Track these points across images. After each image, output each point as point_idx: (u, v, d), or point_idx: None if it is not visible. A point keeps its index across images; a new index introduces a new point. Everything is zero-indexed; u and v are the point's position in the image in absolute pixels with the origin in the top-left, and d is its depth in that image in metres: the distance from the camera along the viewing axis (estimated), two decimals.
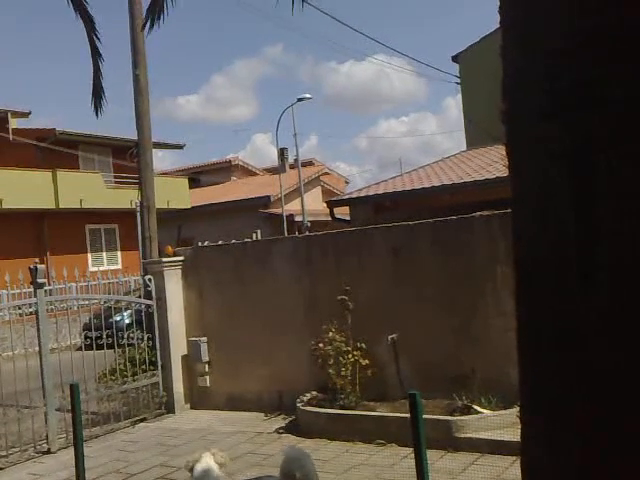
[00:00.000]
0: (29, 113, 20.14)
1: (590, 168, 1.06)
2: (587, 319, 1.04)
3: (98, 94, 8.43)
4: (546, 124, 1.11)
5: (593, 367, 1.03)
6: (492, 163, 11.35)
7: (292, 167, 25.24)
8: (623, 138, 1.02)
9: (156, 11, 7.58)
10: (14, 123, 19.19)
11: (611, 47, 1.02)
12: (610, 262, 1.02)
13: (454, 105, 63.62)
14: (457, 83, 17.77)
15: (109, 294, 8.24)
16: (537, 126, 1.13)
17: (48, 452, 5.76)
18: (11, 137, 18.32)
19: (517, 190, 1.22)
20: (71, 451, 4.26)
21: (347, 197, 13.65)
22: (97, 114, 8.57)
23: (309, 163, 29.12)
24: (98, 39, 8.21)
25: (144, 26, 8.04)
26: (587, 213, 1.06)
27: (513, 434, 4.32)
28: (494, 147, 12.69)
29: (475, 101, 14.73)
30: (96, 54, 8.32)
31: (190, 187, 22.56)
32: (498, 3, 1.25)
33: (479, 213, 5.42)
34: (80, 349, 6.63)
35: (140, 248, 8.97)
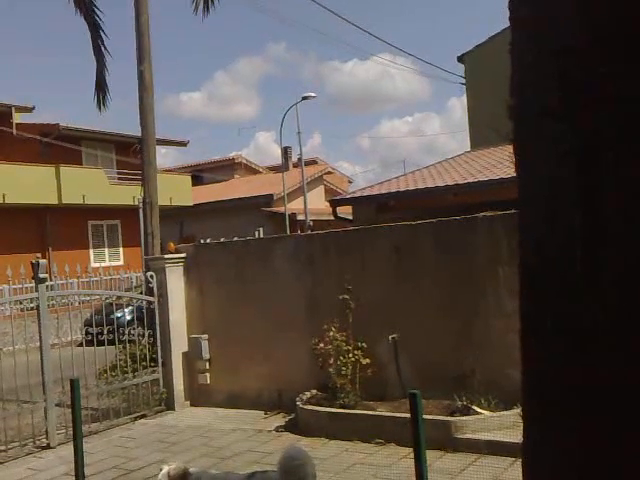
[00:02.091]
0: (33, 108, 20.19)
1: (598, 167, 1.05)
2: (594, 320, 1.03)
3: (102, 89, 8.50)
4: (554, 122, 1.10)
5: (599, 367, 1.02)
6: (496, 164, 11.33)
7: (295, 166, 25.25)
8: (631, 137, 1.01)
9: None
10: (18, 118, 19.23)
11: (620, 46, 1.01)
12: (617, 262, 1.01)
13: (458, 105, 63.60)
14: (462, 84, 17.75)
15: (111, 290, 8.24)
16: (545, 124, 1.12)
17: (48, 447, 5.76)
18: (15, 132, 18.35)
19: (524, 189, 1.20)
20: (70, 446, 4.26)
21: (350, 196, 13.64)
22: (100, 109, 8.67)
23: (312, 162, 29.11)
24: (103, 37, 8.27)
25: (197, 8, 8.05)
26: (594, 213, 1.05)
27: (513, 435, 4.31)
28: (498, 148, 12.66)
29: (480, 102, 14.70)
30: (99, 52, 8.38)
31: (193, 184, 22.59)
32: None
33: (482, 214, 5.40)
34: (81, 345, 6.64)
35: (142, 244, 8.98)
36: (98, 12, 8.45)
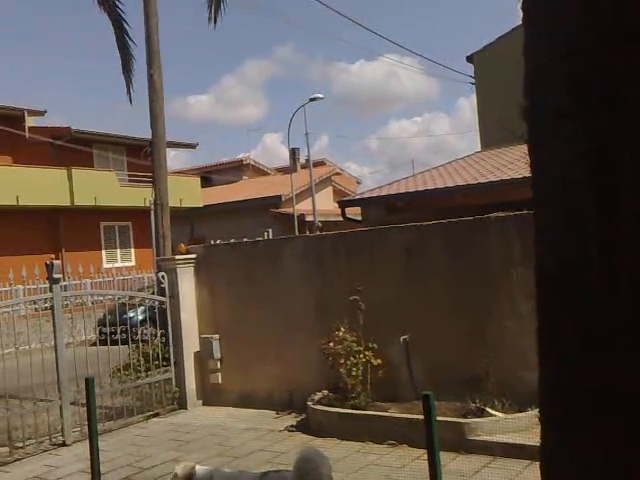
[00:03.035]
0: (45, 111, 20.44)
1: (612, 168, 1.05)
2: (609, 320, 1.03)
3: (129, 83, 8.87)
4: (568, 122, 1.10)
5: (614, 368, 1.02)
6: (507, 164, 11.25)
7: (303, 167, 25.27)
8: None
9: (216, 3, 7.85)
10: (30, 121, 19.47)
11: (633, 46, 1.01)
12: (633, 263, 1.02)
13: (467, 105, 63.22)
14: (472, 83, 17.66)
15: (123, 290, 8.32)
16: (559, 125, 1.12)
17: (63, 444, 5.84)
18: (27, 135, 18.59)
19: (539, 190, 1.21)
20: (85, 444, 4.32)
21: (359, 197, 13.63)
22: (130, 101, 9.08)
23: (320, 163, 29.13)
24: (129, 24, 8.69)
25: (210, 19, 8.52)
26: (609, 213, 1.05)
27: (527, 437, 4.29)
28: (509, 148, 12.58)
29: (490, 101, 14.61)
30: (123, 45, 8.69)
31: (202, 186, 22.71)
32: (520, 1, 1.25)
33: (494, 214, 5.38)
34: (95, 344, 6.72)
35: (154, 245, 9.06)
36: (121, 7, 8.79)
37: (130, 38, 8.92)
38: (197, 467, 3.23)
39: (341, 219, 13.26)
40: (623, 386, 1.01)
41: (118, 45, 8.84)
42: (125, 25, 8.76)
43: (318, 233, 9.38)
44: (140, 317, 8.02)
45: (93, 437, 3.99)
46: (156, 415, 6.69)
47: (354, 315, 5.79)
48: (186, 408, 6.94)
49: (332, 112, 66.88)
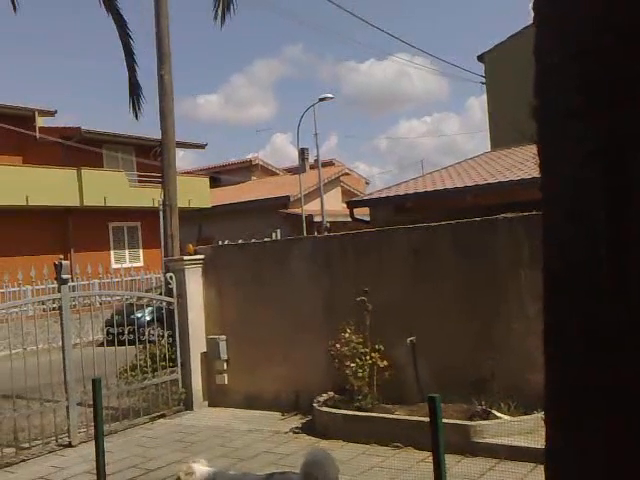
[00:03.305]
0: (55, 112, 20.64)
1: (623, 167, 1.03)
2: (619, 319, 1.01)
3: (136, 94, 8.64)
4: (579, 122, 1.08)
5: (623, 367, 1.01)
6: (517, 164, 11.17)
7: (312, 167, 25.30)
8: None
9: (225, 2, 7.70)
10: (40, 122, 19.67)
11: None
12: None
13: (477, 105, 62.96)
14: (482, 83, 17.57)
15: (131, 291, 8.36)
16: (570, 125, 1.10)
17: (69, 445, 5.86)
18: (37, 135, 18.78)
19: (548, 190, 1.18)
20: (91, 445, 4.32)
21: (368, 198, 13.60)
22: (136, 116, 8.77)
23: (329, 163, 29.13)
24: (131, 38, 8.45)
25: (216, 17, 8.27)
26: (619, 213, 1.03)
27: (533, 440, 4.24)
28: (519, 148, 12.49)
29: (501, 101, 14.53)
30: (130, 55, 8.55)
31: (211, 186, 22.80)
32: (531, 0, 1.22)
33: (502, 215, 5.33)
34: (102, 345, 6.74)
35: (162, 246, 9.09)
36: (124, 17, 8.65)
37: (133, 58, 8.74)
38: (200, 469, 3.21)
39: (349, 220, 13.24)
40: (633, 385, 1.00)
41: (127, 63, 8.71)
42: (129, 34, 8.64)
43: (326, 234, 9.36)
44: (148, 318, 8.06)
45: (99, 438, 3.99)
46: (162, 416, 6.70)
47: (361, 316, 5.77)
48: (192, 409, 6.94)
49: (341, 112, 66.99)
